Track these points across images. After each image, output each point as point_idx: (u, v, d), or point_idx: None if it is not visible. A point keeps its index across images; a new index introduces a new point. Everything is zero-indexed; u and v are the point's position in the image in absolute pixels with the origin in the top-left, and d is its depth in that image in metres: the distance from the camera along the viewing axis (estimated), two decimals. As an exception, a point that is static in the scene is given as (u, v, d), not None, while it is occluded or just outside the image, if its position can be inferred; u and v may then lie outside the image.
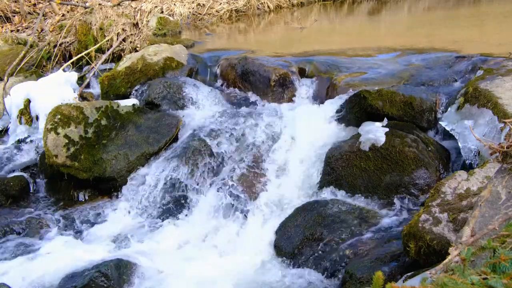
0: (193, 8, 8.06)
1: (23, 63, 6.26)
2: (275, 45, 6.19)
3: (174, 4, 7.92)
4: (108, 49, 5.98)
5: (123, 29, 6.09)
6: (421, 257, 2.53)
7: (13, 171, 4.83)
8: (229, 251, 3.67)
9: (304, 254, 3.38)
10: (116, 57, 5.99)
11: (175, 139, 4.52)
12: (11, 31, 7.34)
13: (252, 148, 4.23)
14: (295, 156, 4.19)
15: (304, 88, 4.74)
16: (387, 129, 3.80)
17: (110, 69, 5.68)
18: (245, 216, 3.91)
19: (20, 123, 5.30)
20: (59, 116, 4.35)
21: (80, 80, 5.82)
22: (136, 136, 4.50)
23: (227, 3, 8.30)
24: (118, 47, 6.02)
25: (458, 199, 2.63)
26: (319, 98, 4.64)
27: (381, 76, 4.49)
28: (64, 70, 5.82)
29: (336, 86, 4.51)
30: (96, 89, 5.67)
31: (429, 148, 3.68)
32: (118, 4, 6.92)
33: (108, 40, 6.05)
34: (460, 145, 3.58)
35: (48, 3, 7.56)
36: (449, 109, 3.84)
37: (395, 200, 3.57)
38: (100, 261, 3.43)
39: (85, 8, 6.67)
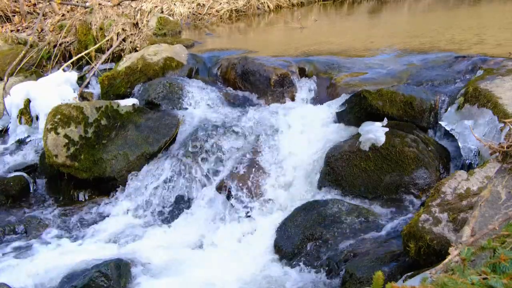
0: (193, 8, 8.06)
1: (23, 63, 6.26)
2: (275, 45, 6.18)
3: (174, 4, 7.92)
4: (108, 49, 5.98)
5: (123, 29, 6.09)
6: (421, 257, 2.53)
7: (13, 171, 4.83)
8: (229, 251, 3.67)
9: (304, 254, 3.38)
10: (116, 57, 5.99)
11: (175, 139, 4.52)
12: (11, 31, 7.34)
13: (252, 148, 4.23)
14: (295, 156, 4.19)
15: (304, 88, 4.74)
16: (387, 129, 3.80)
17: (110, 69, 5.68)
18: (245, 216, 3.91)
19: (20, 123, 5.30)
20: (59, 116, 4.35)
21: (80, 80, 5.83)
22: (136, 136, 4.50)
23: (227, 3, 8.30)
24: (118, 47, 6.02)
25: (458, 199, 2.63)
26: (319, 98, 4.65)
27: (381, 76, 4.49)
28: (64, 70, 5.82)
29: (336, 86, 4.51)
30: (96, 89, 5.67)
31: (429, 148, 3.68)
32: (118, 4, 6.92)
33: (108, 40, 6.05)
34: (460, 145, 3.58)
35: (48, 3, 7.56)
36: (449, 109, 3.84)
37: (395, 200, 3.57)
38: (100, 261, 3.43)
39: (85, 8, 6.67)
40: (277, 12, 8.55)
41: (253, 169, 4.07)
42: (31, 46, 6.48)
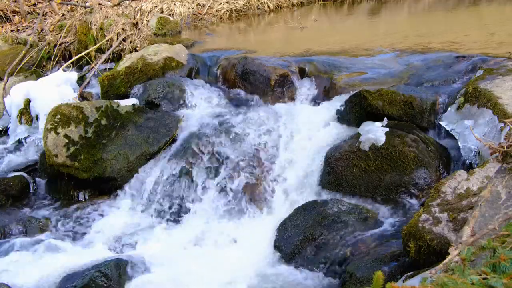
0: (193, 8, 8.05)
1: (23, 63, 6.26)
2: (275, 45, 6.18)
3: (174, 4, 7.92)
4: (108, 49, 5.98)
5: (123, 29, 6.09)
6: (421, 257, 2.53)
7: (13, 171, 4.83)
8: (229, 251, 3.67)
9: (304, 254, 3.39)
10: (116, 57, 5.98)
11: (175, 139, 4.52)
12: (11, 31, 7.34)
13: (252, 148, 4.23)
14: (295, 156, 4.19)
15: (304, 88, 4.74)
16: (387, 129, 3.80)
17: (110, 69, 5.68)
18: (245, 216, 3.91)
19: (20, 123, 5.31)
20: (59, 116, 4.35)
21: (80, 80, 5.83)
22: (136, 136, 4.50)
23: (227, 3, 8.30)
24: (118, 47, 6.02)
25: (458, 199, 2.63)
26: (319, 98, 4.64)
27: (381, 76, 4.49)
28: (64, 70, 5.82)
29: (336, 86, 4.51)
30: (96, 89, 5.66)
31: (429, 148, 3.68)
32: (118, 4, 6.92)
33: (108, 40, 6.05)
34: (460, 145, 3.58)
35: (48, 3, 7.56)
36: (449, 109, 3.84)
37: (395, 200, 3.57)
38: (100, 261, 3.43)
39: (85, 8, 6.67)
40: (277, 12, 8.55)
41: (253, 169, 4.07)
42: (31, 46, 6.48)
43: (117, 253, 3.73)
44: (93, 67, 5.84)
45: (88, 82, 5.74)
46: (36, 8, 8.17)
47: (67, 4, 7.42)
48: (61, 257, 3.67)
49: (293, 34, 6.74)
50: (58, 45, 6.44)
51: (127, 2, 6.98)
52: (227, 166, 4.18)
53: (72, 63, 6.08)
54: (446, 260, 1.79)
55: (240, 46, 5.83)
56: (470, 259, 1.73)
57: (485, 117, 3.43)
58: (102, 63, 5.85)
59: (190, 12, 7.94)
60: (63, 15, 7.37)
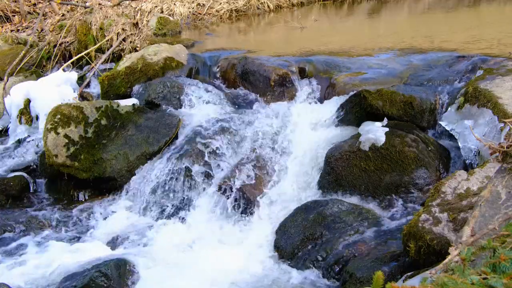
0: (193, 8, 8.05)
1: (23, 63, 6.26)
2: (275, 45, 6.18)
3: (174, 4, 7.92)
4: (108, 49, 5.98)
5: (123, 29, 6.09)
6: (421, 257, 2.53)
7: (13, 171, 4.83)
8: (229, 251, 3.67)
9: (304, 254, 3.39)
10: (116, 57, 5.98)
11: (175, 139, 4.52)
12: (11, 31, 7.34)
13: (252, 148, 4.23)
14: (295, 156, 4.19)
15: (304, 88, 4.74)
16: (387, 129, 3.80)
17: (110, 69, 5.68)
18: (245, 216, 3.91)
19: (20, 123, 5.30)
20: (59, 116, 4.35)
21: (80, 80, 5.82)
22: (136, 136, 4.50)
23: (227, 3, 8.30)
24: (118, 47, 6.02)
25: (458, 199, 2.63)
26: (319, 97, 4.64)
27: (381, 76, 4.49)
28: (64, 70, 5.82)
29: (336, 86, 4.51)
30: (96, 89, 5.66)
31: (429, 148, 3.68)
32: (118, 4, 6.92)
33: (108, 40, 6.05)
34: (460, 145, 3.58)
35: (48, 3, 7.56)
36: (449, 109, 3.85)
37: (395, 200, 3.58)
38: (100, 261, 3.43)
39: (85, 8, 6.67)
40: (277, 12, 8.55)
41: (253, 169, 4.07)
42: (31, 46, 6.48)
43: (117, 253, 3.72)
44: (93, 67, 5.84)
45: (88, 82, 5.74)
46: (36, 8, 8.17)
47: (67, 4, 7.42)
48: (61, 257, 3.67)
49: (293, 34, 6.74)
50: (58, 45, 6.45)
51: (127, 2, 6.97)
52: (226, 166, 4.18)
53: (72, 63, 6.08)
54: (446, 260, 1.79)
55: (240, 46, 5.83)
56: (470, 259, 1.73)
57: (485, 117, 3.43)
58: (102, 63, 5.85)
59: (190, 12, 7.94)
60: (63, 15, 7.37)
